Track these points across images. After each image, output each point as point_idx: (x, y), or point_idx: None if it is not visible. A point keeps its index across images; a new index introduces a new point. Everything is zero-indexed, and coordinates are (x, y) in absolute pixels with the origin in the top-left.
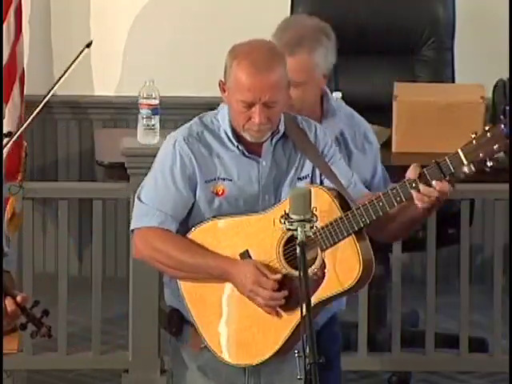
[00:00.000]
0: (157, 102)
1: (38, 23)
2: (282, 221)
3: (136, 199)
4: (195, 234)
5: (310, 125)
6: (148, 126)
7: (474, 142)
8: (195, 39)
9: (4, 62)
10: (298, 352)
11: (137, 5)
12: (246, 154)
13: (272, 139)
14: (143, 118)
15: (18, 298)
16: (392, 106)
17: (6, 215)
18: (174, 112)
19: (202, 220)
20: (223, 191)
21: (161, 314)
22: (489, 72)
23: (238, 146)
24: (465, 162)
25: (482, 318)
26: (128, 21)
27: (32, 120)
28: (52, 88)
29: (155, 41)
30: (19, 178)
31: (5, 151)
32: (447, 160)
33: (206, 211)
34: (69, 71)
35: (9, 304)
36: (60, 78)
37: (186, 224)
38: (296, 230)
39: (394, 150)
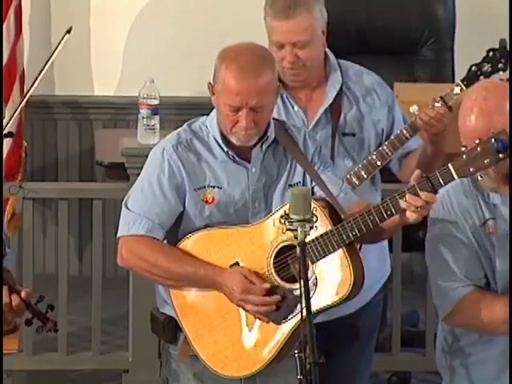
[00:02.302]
0: (157, 102)
1: (37, 23)
2: (282, 221)
3: (123, 207)
4: (185, 245)
5: (299, 131)
6: (148, 126)
7: (464, 156)
8: (195, 39)
9: (4, 62)
10: (299, 352)
11: (137, 5)
12: (236, 159)
13: (262, 145)
14: (143, 118)
15: (23, 294)
16: None
17: (6, 215)
18: (173, 112)
19: (192, 229)
20: (213, 199)
21: (153, 320)
22: None
23: (227, 152)
24: (455, 176)
25: None
26: (128, 21)
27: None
28: (39, 74)
29: (155, 41)
30: (19, 178)
31: (5, 151)
32: (438, 175)
33: (197, 219)
34: (52, 58)
35: (14, 299)
36: (45, 65)
37: (176, 233)
38: (296, 229)
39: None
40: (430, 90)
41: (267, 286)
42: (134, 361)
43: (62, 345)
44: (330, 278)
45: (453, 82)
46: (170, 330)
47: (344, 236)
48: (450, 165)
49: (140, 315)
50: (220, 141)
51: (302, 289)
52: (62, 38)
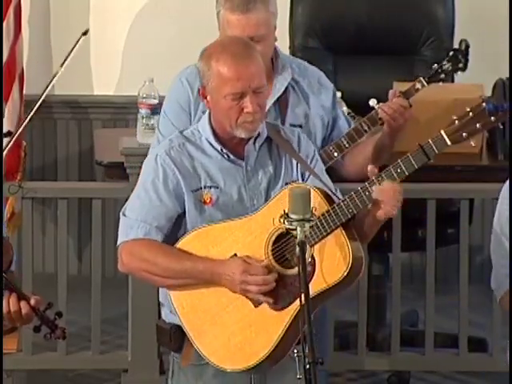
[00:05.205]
0: (156, 101)
1: (37, 22)
2: (282, 220)
3: (121, 215)
4: (183, 244)
5: (293, 133)
6: (147, 125)
7: (456, 122)
8: (195, 39)
9: (3, 61)
10: (298, 352)
11: (136, 4)
12: (231, 157)
13: (255, 143)
14: (142, 117)
15: (32, 301)
16: None
17: (6, 215)
18: None
19: (195, 229)
20: (211, 199)
21: (159, 331)
22: (489, 72)
23: (221, 149)
24: (448, 142)
25: (481, 318)
26: (128, 20)
27: (31, 117)
28: (51, 81)
29: (155, 40)
30: (18, 178)
31: (4, 151)
32: (431, 142)
33: (198, 221)
34: (67, 61)
35: (23, 307)
36: (57, 72)
37: (176, 237)
38: (295, 229)
39: (393, 149)
40: (428, 89)
41: (265, 263)
42: (134, 360)
43: (62, 344)
44: (328, 260)
45: (452, 81)
46: (176, 338)
47: (341, 214)
48: (442, 131)
49: (139, 315)
50: (213, 141)
51: (302, 287)
52: (78, 40)
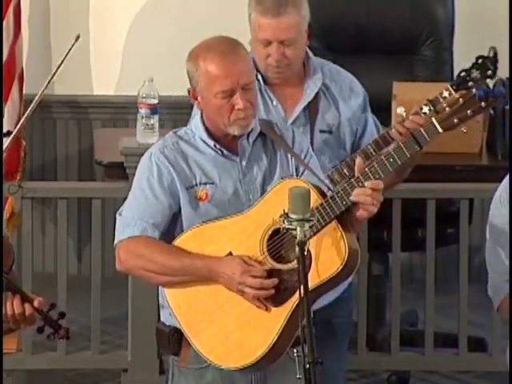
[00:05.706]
0: (156, 101)
1: (37, 22)
2: (282, 219)
3: (117, 216)
4: (179, 242)
5: (287, 129)
6: (147, 125)
7: (447, 109)
8: (195, 39)
9: (3, 61)
10: (297, 351)
11: (136, 4)
12: (225, 153)
13: (248, 138)
14: (142, 117)
15: (35, 303)
16: (391, 106)
17: (5, 215)
18: (173, 111)
19: (191, 228)
20: (206, 195)
21: (158, 334)
22: None
23: (214, 145)
24: (440, 130)
25: (481, 318)
26: (127, 20)
27: (29, 117)
28: (46, 85)
29: (155, 40)
30: (18, 178)
31: (4, 151)
32: (422, 130)
33: (194, 218)
34: (61, 67)
35: (27, 309)
36: (53, 75)
37: (173, 235)
38: (295, 229)
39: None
40: (428, 89)
41: (267, 267)
42: (133, 360)
43: (62, 344)
44: (324, 253)
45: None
46: (175, 341)
47: (335, 207)
48: (433, 118)
49: (139, 315)
50: (206, 138)
51: (302, 284)
52: (72, 46)
